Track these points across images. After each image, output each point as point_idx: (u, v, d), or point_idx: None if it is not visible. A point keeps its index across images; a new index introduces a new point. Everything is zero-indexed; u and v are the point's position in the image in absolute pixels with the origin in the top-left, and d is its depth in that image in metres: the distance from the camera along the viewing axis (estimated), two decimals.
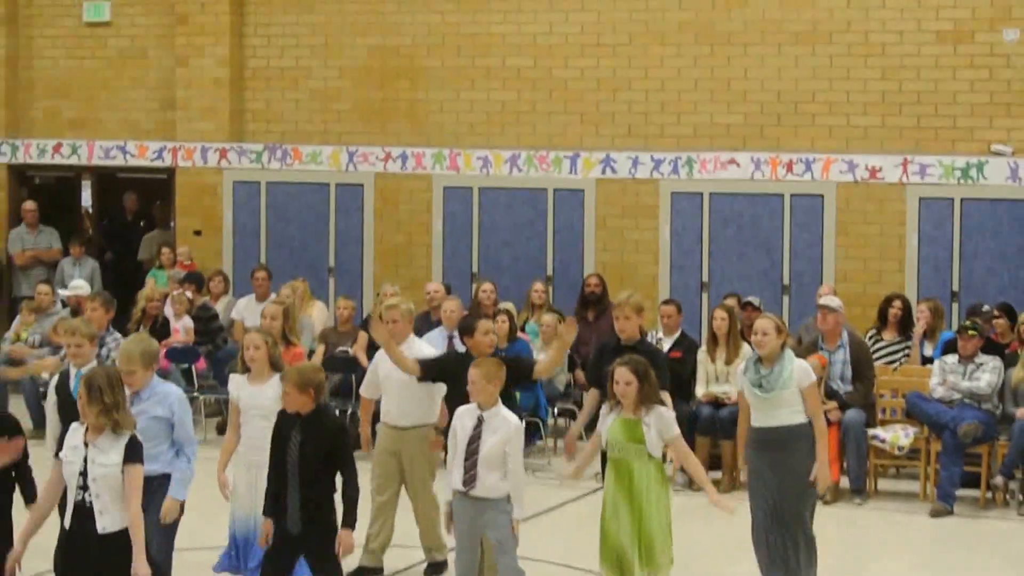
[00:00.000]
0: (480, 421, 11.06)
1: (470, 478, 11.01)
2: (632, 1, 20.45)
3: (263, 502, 10.76)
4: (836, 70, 19.75)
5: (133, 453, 9.37)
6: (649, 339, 14.30)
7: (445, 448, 11.68)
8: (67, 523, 9.43)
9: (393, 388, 12.82)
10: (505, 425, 11.07)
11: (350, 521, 10.46)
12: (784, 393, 11.62)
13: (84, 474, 9.31)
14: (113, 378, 9.59)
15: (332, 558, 10.50)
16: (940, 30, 19.37)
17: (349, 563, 12.83)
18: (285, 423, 10.56)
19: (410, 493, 12.94)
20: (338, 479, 10.53)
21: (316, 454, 10.39)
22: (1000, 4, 19.13)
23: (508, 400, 11.99)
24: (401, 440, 12.75)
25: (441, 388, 12.57)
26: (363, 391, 13.35)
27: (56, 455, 9.58)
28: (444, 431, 12.35)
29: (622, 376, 11.00)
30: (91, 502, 9.29)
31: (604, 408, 11.33)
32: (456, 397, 11.69)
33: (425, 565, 13.06)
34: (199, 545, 12.61)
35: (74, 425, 9.57)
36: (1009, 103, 19.19)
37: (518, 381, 12.28)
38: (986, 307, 17.73)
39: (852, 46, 19.67)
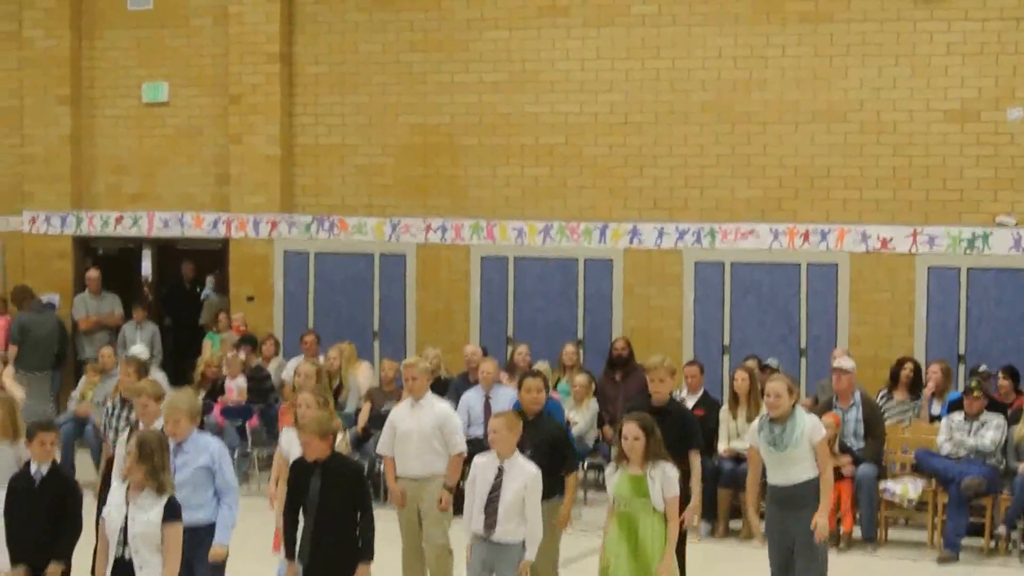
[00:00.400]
0: (501, 471, 11.24)
1: (491, 523, 11.20)
2: (657, 82, 20.58)
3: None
4: (850, 147, 19.83)
5: (172, 513, 9.45)
6: (674, 397, 14.43)
7: (453, 505, 11.88)
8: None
9: (413, 444, 12.96)
10: (524, 473, 11.27)
11: (367, 556, 10.52)
12: (796, 451, 11.70)
13: (125, 530, 9.38)
14: (164, 441, 9.76)
15: None
16: (948, 109, 19.45)
17: None
18: (303, 470, 10.60)
19: (429, 542, 13.03)
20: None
21: (337, 496, 10.44)
22: (1005, 84, 19.23)
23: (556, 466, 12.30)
24: (421, 490, 12.88)
25: (455, 442, 12.77)
26: (381, 450, 13.41)
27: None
28: (451, 489, 12.64)
29: (630, 431, 11.05)
30: (131, 557, 9.38)
31: (610, 466, 11.40)
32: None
33: None
34: None
35: (115, 483, 9.68)
36: (1013, 178, 19.24)
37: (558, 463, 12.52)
38: (983, 367, 17.92)
39: (865, 124, 19.76)
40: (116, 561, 9.47)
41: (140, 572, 9.40)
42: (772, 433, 11.76)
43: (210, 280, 24.53)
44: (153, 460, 9.48)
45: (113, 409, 13.62)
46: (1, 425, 11.62)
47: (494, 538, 11.24)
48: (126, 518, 9.44)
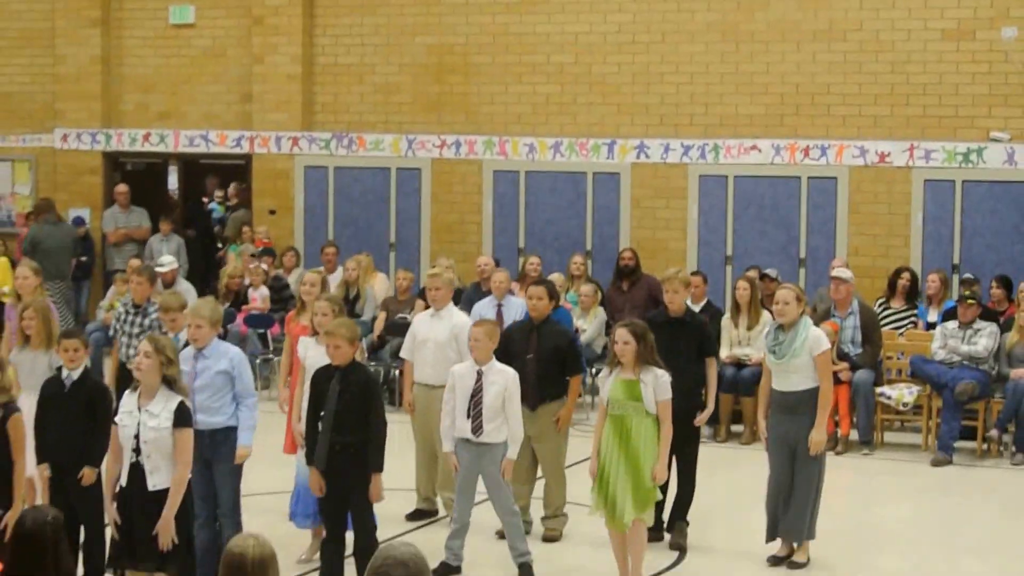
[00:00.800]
0: (480, 375, 11.17)
1: (477, 426, 11.13)
2: (664, 3, 20.41)
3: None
4: (849, 65, 19.67)
5: (182, 418, 9.36)
6: (691, 309, 14.17)
7: None
8: (123, 481, 9.44)
9: (429, 351, 12.82)
10: (503, 376, 11.22)
11: (377, 465, 10.38)
12: (797, 360, 11.51)
13: (137, 437, 9.30)
14: (172, 344, 9.67)
15: (365, 488, 10.38)
16: (944, 28, 19.28)
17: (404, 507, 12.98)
18: (324, 376, 10.46)
19: (438, 446, 12.86)
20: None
21: (353, 402, 10.29)
22: (1000, 4, 19.04)
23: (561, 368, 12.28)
24: (434, 396, 12.60)
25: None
26: (404, 354, 13.27)
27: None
28: None
29: (621, 336, 10.85)
30: (143, 463, 9.31)
31: (604, 370, 11.24)
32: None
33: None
34: (268, 490, 12.71)
35: (127, 392, 9.55)
36: (1007, 94, 19.12)
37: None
38: (967, 275, 17.97)
39: (864, 43, 19.59)
40: (131, 466, 9.38)
41: (151, 476, 9.34)
42: (775, 341, 11.59)
43: (218, 194, 24.42)
44: (167, 354, 9.40)
45: (125, 315, 13.49)
46: (36, 333, 11.59)
47: (480, 439, 11.17)
48: (138, 424, 9.34)
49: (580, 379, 12.77)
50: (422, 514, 13.13)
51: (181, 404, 9.42)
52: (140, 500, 9.36)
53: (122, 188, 22.86)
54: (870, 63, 19.59)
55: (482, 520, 11.82)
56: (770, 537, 11.81)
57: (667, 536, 12.35)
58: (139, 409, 9.37)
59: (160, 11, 23.27)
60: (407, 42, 21.84)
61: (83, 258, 22.38)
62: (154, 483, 9.31)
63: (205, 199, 24.82)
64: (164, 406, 9.34)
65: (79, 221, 22.66)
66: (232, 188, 24.67)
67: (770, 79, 20.04)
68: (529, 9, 21.15)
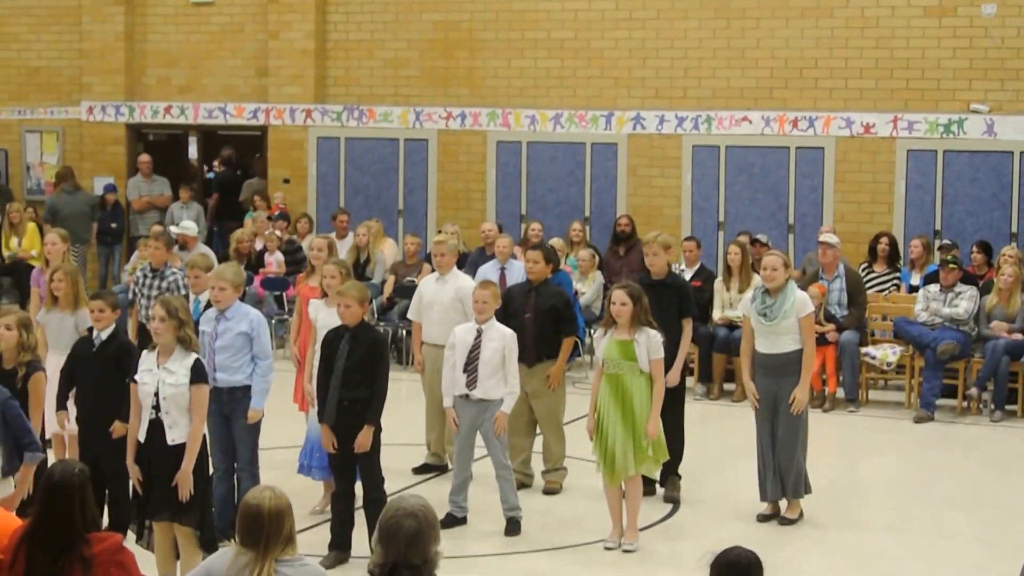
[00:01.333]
0: (479, 333, 11.08)
1: (472, 380, 11.05)
2: None
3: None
4: (836, 40, 19.43)
5: (199, 374, 9.32)
6: (673, 270, 13.98)
7: None
8: (141, 437, 9.37)
9: (435, 312, 12.62)
10: (500, 334, 11.10)
11: (373, 419, 10.24)
12: (785, 323, 11.31)
13: (156, 394, 9.23)
14: (185, 304, 9.63)
15: (373, 449, 10.27)
16: (927, 5, 19.04)
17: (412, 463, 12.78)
18: (335, 336, 10.35)
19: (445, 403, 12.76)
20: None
21: (361, 360, 10.17)
22: None
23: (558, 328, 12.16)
24: (441, 355, 12.35)
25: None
26: (411, 315, 13.08)
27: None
28: None
29: (619, 298, 10.68)
30: (162, 418, 9.22)
31: (599, 331, 11.02)
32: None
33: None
34: (285, 444, 12.52)
35: (145, 352, 9.47)
36: (986, 68, 18.88)
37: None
38: (946, 240, 17.89)
39: (850, 19, 19.36)
40: (150, 422, 9.30)
41: (170, 431, 9.26)
42: (764, 304, 11.37)
43: (217, 164, 24.19)
44: (180, 316, 9.31)
45: (143, 279, 13.30)
46: (64, 295, 11.60)
47: (476, 395, 11.05)
48: (158, 382, 9.26)
49: (573, 340, 12.55)
50: (429, 468, 12.99)
51: (197, 361, 9.38)
52: (159, 454, 9.29)
53: (144, 158, 22.69)
54: (856, 38, 19.37)
55: (489, 473, 11.57)
56: (763, 497, 11.56)
57: (660, 490, 12.14)
58: (158, 367, 9.30)
59: None
60: (415, 19, 21.62)
61: (112, 224, 22.19)
62: (173, 437, 9.24)
63: (205, 167, 24.56)
64: (181, 363, 9.26)
65: (110, 188, 22.48)
66: (222, 154, 24.33)
67: (760, 54, 19.81)
68: None
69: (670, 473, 12.09)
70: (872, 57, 19.29)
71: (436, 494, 11.11)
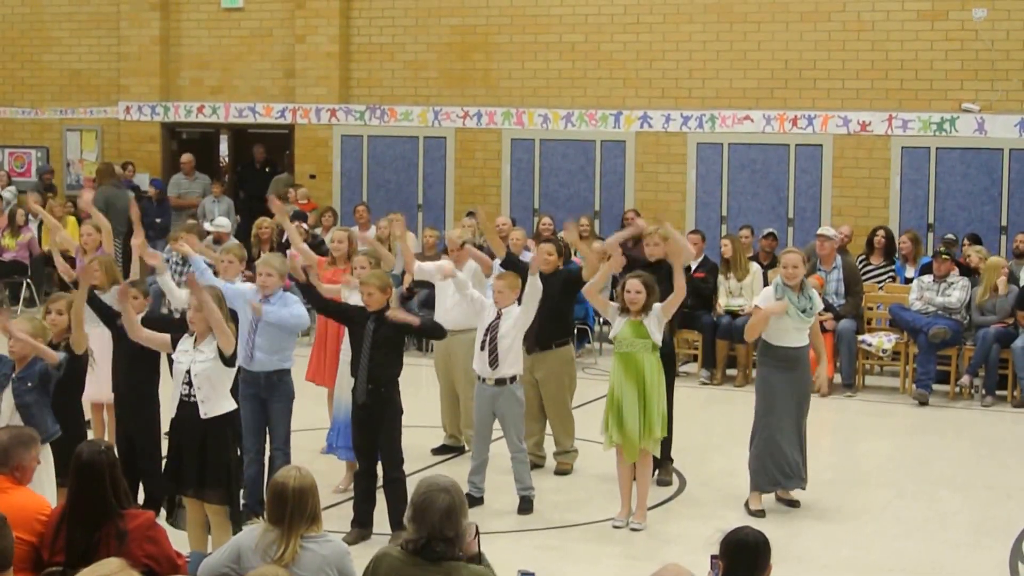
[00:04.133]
0: (500, 315, 10.96)
1: (494, 359, 10.91)
2: None
3: None
4: (833, 43, 19.29)
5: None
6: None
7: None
8: (174, 414, 9.30)
9: (448, 298, 12.43)
10: (512, 312, 10.98)
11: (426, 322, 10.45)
12: (811, 319, 11.08)
13: (189, 372, 9.15)
14: (216, 289, 9.62)
15: (394, 431, 10.16)
16: (920, 9, 18.88)
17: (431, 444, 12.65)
18: (361, 317, 10.23)
19: (463, 396, 12.61)
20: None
21: (386, 340, 10.08)
22: None
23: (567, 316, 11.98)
24: (455, 340, 12.25)
25: (483, 299, 12.17)
26: (414, 269, 12.42)
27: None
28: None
29: (634, 286, 10.50)
30: (194, 395, 9.11)
31: (614, 311, 10.76)
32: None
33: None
34: (306, 427, 12.41)
35: (185, 336, 9.37)
36: (977, 69, 18.71)
37: (573, 288, 12.07)
38: (948, 235, 17.72)
39: (847, 23, 19.22)
40: (182, 398, 9.22)
41: (203, 406, 9.16)
42: (800, 301, 10.99)
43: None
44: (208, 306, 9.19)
45: (176, 267, 13.18)
46: (99, 280, 11.48)
47: (497, 375, 10.92)
48: (190, 362, 9.21)
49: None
50: (448, 449, 12.85)
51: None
52: (190, 430, 9.17)
53: (187, 158, 22.49)
54: (852, 41, 19.23)
55: (505, 455, 11.41)
56: (771, 488, 11.26)
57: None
58: (193, 349, 9.24)
59: None
60: (434, 23, 21.51)
61: (157, 219, 21.95)
62: (205, 411, 9.13)
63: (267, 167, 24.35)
64: (211, 344, 9.16)
65: (157, 184, 22.27)
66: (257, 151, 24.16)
67: (761, 56, 19.66)
68: None
69: (663, 457, 11.84)
70: (868, 59, 19.14)
71: (454, 474, 10.92)
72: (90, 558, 6.62)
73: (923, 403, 15.26)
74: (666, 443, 11.71)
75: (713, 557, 6.03)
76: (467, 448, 12.60)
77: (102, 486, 6.83)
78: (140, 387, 10.41)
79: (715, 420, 14.09)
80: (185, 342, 9.35)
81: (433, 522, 5.82)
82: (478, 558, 6.03)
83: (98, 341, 10.41)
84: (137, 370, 10.36)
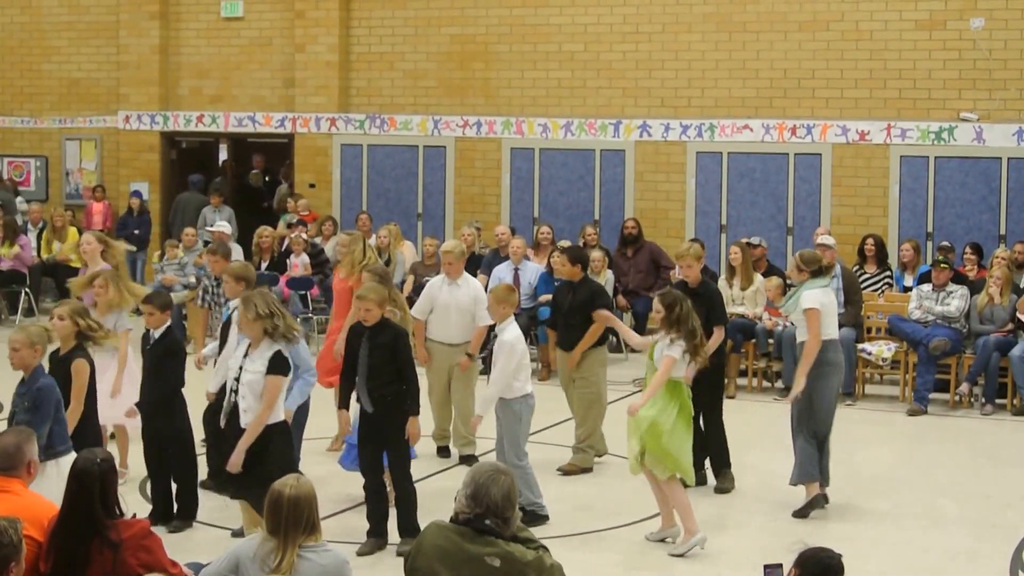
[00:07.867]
0: (493, 336, 11.13)
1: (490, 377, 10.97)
2: None
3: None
4: (832, 52, 19.32)
5: (275, 365, 9.19)
6: (677, 272, 13.68)
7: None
8: (222, 421, 9.41)
9: (452, 314, 12.50)
10: (505, 329, 10.84)
11: (414, 409, 10.00)
12: (795, 316, 11.36)
13: (238, 379, 9.20)
14: (267, 296, 9.47)
15: (402, 438, 10.04)
16: (918, 19, 18.92)
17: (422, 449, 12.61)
18: (356, 332, 10.15)
19: (455, 399, 12.66)
20: None
21: (383, 353, 9.94)
22: None
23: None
24: (456, 353, 12.49)
25: (483, 315, 12.21)
26: (415, 313, 12.61)
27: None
28: (471, 355, 12.51)
29: (655, 306, 10.40)
30: (239, 402, 9.17)
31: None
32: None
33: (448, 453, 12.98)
34: (322, 435, 12.38)
35: (242, 338, 9.45)
36: (975, 79, 18.75)
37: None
38: (944, 243, 17.65)
39: (845, 32, 19.25)
40: (229, 404, 9.36)
41: (244, 415, 9.25)
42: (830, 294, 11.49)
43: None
44: (257, 311, 9.23)
45: (210, 287, 13.02)
46: (103, 303, 11.66)
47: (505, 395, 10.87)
48: (240, 368, 9.28)
49: (605, 315, 12.07)
50: (446, 450, 12.93)
51: (278, 353, 9.27)
52: (232, 436, 9.29)
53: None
54: (851, 50, 19.26)
55: (541, 458, 11.53)
56: (818, 478, 11.33)
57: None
58: (246, 356, 9.30)
59: (212, 5, 23.00)
60: (433, 32, 21.53)
61: (136, 231, 21.82)
62: (246, 421, 9.22)
63: (267, 177, 24.36)
64: (262, 355, 9.21)
65: (136, 194, 22.20)
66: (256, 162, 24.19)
67: (760, 65, 19.69)
68: (543, 2, 20.86)
69: (722, 466, 11.97)
70: (866, 68, 19.17)
71: (455, 484, 10.90)
72: (78, 568, 6.68)
73: (915, 415, 15.24)
74: (721, 451, 11.86)
75: (767, 567, 6.12)
76: (452, 448, 12.81)
77: (90, 496, 6.80)
78: (168, 396, 10.43)
79: (729, 430, 14.02)
80: (240, 346, 9.43)
81: (494, 500, 5.97)
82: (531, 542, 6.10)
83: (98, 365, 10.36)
84: (160, 384, 10.41)
